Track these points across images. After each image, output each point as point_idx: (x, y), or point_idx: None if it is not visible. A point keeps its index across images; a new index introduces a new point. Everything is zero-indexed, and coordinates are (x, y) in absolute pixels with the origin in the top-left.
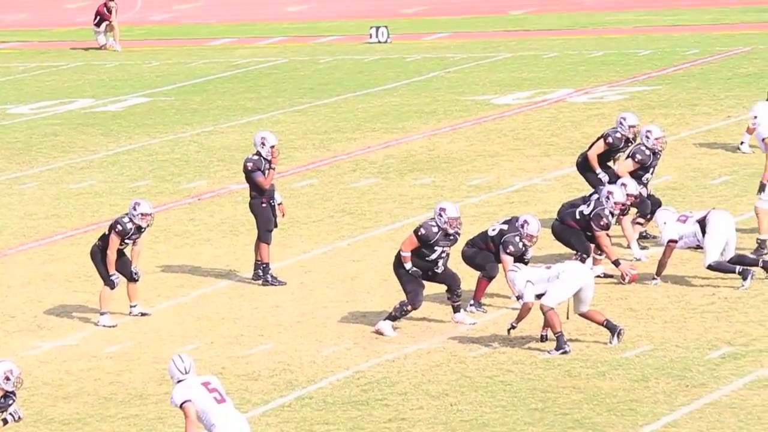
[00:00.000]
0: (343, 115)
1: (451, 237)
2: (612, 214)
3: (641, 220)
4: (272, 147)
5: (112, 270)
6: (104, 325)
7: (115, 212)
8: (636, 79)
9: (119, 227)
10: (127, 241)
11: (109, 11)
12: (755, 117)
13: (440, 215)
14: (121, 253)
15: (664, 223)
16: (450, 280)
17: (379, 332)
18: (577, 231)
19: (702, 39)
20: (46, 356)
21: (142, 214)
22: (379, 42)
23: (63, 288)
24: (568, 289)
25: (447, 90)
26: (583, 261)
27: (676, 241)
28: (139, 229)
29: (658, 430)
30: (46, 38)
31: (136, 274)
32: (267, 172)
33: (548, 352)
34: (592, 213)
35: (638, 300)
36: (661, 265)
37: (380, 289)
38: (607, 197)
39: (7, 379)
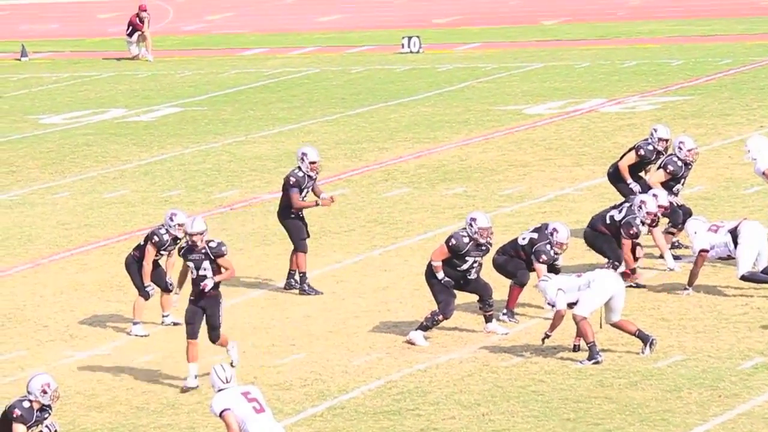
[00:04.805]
0: (375, 125)
1: (483, 247)
2: (643, 223)
3: (673, 230)
4: (312, 163)
5: (147, 281)
6: (137, 335)
7: (148, 222)
8: (668, 89)
9: (156, 238)
10: (162, 252)
11: (142, 21)
12: (749, 151)
13: (471, 225)
14: (155, 264)
15: (695, 232)
16: (482, 290)
17: (410, 342)
18: (609, 237)
19: (734, 49)
20: (78, 365)
21: (178, 225)
22: (411, 52)
23: (95, 297)
24: (600, 298)
25: (479, 100)
26: (615, 268)
27: (707, 251)
28: (174, 240)
29: None
30: (79, 48)
31: (171, 284)
32: (305, 190)
33: (581, 362)
34: (623, 220)
35: (670, 310)
36: (693, 275)
37: (412, 298)
38: (640, 206)
39: (44, 392)
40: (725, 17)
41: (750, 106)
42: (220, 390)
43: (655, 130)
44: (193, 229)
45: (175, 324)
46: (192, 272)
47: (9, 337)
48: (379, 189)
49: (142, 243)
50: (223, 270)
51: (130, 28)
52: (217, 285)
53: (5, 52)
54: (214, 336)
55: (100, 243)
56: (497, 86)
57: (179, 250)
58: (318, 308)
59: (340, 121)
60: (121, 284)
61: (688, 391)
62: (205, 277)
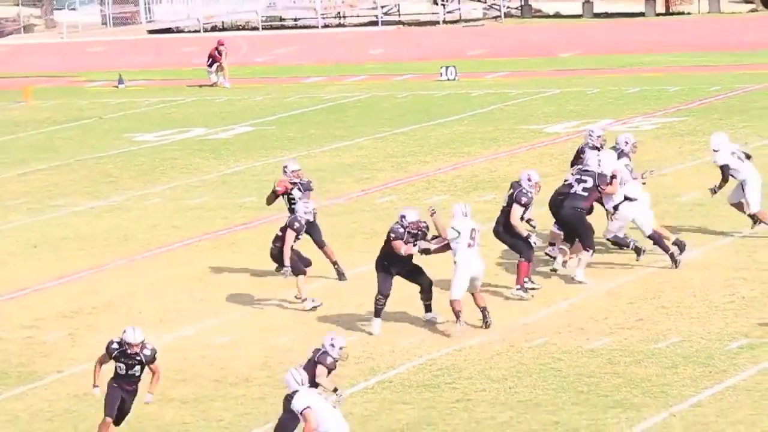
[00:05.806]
0: (418, 142)
1: (419, 235)
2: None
3: None
4: (293, 171)
5: (287, 262)
6: (306, 308)
7: (226, 224)
8: (667, 111)
9: (297, 224)
10: (299, 237)
11: (220, 54)
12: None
13: (402, 220)
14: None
15: (608, 163)
16: (424, 281)
17: (371, 331)
18: (588, 225)
19: (723, 77)
20: (167, 346)
21: (312, 209)
22: (449, 80)
23: (181, 288)
24: (464, 280)
25: (506, 120)
26: (587, 252)
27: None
28: (305, 224)
29: (685, 410)
30: (167, 77)
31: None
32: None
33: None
34: (598, 180)
35: (669, 299)
36: None
37: (449, 288)
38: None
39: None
40: (716, 51)
41: (737, 126)
42: (295, 390)
43: (593, 131)
44: (136, 340)
45: (314, 308)
46: (120, 369)
47: (109, 322)
48: (420, 196)
49: (279, 234)
50: (150, 370)
51: (210, 59)
52: (138, 380)
53: (106, 81)
54: (120, 420)
55: (185, 242)
56: (521, 109)
57: (111, 352)
58: (370, 297)
59: (388, 138)
60: (201, 277)
61: (684, 367)
62: (134, 376)
